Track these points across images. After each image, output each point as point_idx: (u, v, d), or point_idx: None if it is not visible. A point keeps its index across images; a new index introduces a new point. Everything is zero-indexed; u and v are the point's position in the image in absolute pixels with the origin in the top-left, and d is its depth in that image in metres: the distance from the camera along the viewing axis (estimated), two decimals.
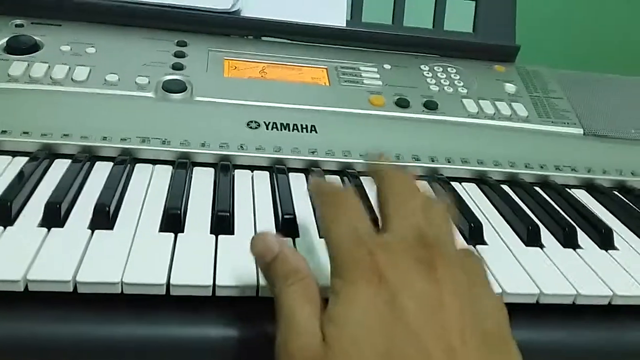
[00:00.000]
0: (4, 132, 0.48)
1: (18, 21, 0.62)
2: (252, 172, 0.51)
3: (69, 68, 0.56)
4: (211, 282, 0.35)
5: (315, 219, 0.44)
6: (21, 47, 0.57)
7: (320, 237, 0.41)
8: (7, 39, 0.58)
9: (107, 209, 0.40)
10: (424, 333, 0.26)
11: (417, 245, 0.30)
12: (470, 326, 0.28)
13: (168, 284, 0.35)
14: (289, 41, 0.69)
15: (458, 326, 0.27)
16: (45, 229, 0.38)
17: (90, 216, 0.40)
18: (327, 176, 0.52)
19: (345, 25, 0.70)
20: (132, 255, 0.36)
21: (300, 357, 0.28)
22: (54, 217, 0.39)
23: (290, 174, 0.51)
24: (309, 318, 0.29)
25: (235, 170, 0.50)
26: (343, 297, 0.28)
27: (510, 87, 0.67)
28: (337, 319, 0.28)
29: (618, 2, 1.13)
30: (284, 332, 0.29)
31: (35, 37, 0.59)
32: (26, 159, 0.46)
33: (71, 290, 0.34)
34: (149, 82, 0.56)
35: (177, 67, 0.59)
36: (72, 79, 0.54)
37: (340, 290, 0.29)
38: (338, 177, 0.52)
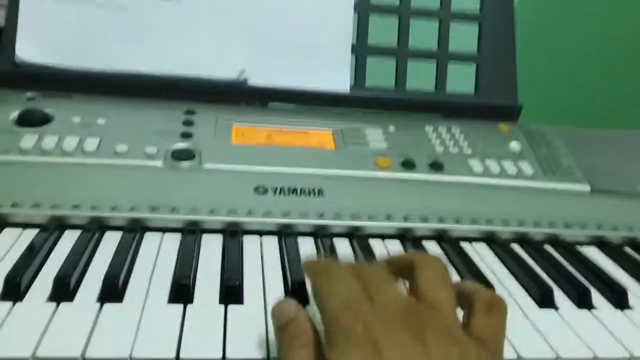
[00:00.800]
0: (14, 205, 0.48)
1: (29, 94, 0.63)
2: (261, 237, 0.51)
3: (80, 139, 0.57)
4: (220, 355, 0.35)
5: None
6: (32, 120, 0.58)
7: None
8: (18, 112, 0.59)
9: (116, 281, 0.40)
10: None
11: (409, 317, 0.30)
12: None
13: (177, 358, 0.34)
14: (294, 107, 0.70)
15: None
16: (54, 304, 0.37)
17: (99, 288, 0.40)
18: (335, 239, 0.52)
19: (349, 90, 0.72)
20: (140, 329, 0.36)
21: None
22: (63, 291, 0.39)
23: (299, 239, 0.51)
24: None
25: (244, 236, 0.50)
26: None
27: (515, 146, 0.67)
28: None
29: (618, 59, 1.15)
30: None
31: (46, 110, 0.60)
32: (36, 231, 0.47)
33: None
34: (157, 151, 0.57)
35: (186, 135, 0.60)
36: (82, 150, 0.55)
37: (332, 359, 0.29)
38: (347, 240, 0.52)
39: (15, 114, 0.59)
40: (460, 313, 0.34)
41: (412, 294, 0.35)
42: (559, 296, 0.46)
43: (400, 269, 0.37)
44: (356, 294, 0.32)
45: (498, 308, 0.34)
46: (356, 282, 0.33)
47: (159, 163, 0.56)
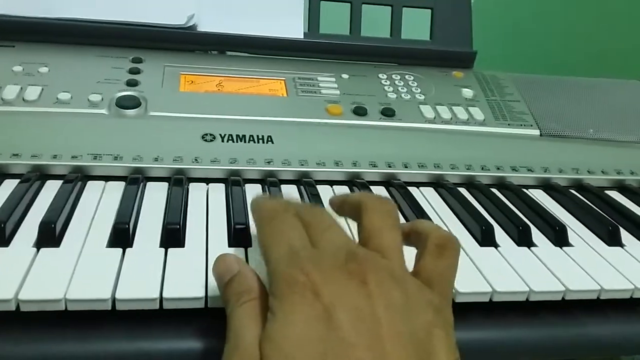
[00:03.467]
0: None
1: None
2: (208, 184, 0.50)
3: (21, 88, 0.55)
4: (158, 295, 0.34)
5: None
6: None
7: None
8: None
9: (53, 226, 0.39)
10: (358, 345, 0.26)
11: (348, 261, 0.30)
12: (404, 338, 0.27)
13: (114, 299, 0.34)
14: (246, 54, 0.69)
15: (391, 337, 0.27)
16: None
17: (36, 235, 0.39)
18: (283, 186, 0.51)
19: (302, 37, 0.70)
20: (77, 272, 0.35)
21: None
22: None
23: (247, 185, 0.50)
24: (254, 338, 0.29)
25: (190, 184, 0.50)
26: (279, 316, 0.28)
27: (467, 92, 0.68)
28: (273, 337, 0.28)
29: (574, 8, 1.15)
30: (229, 349, 0.29)
31: None
32: None
33: (14, 308, 0.33)
34: (102, 99, 0.55)
35: (132, 84, 0.59)
36: (23, 98, 0.54)
37: (276, 309, 0.29)
38: (295, 187, 0.52)
39: None
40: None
41: (360, 236, 0.35)
42: (500, 234, 0.47)
43: (350, 210, 0.37)
44: (299, 242, 0.32)
45: (449, 249, 0.34)
46: (300, 228, 0.33)
47: (103, 111, 0.55)
